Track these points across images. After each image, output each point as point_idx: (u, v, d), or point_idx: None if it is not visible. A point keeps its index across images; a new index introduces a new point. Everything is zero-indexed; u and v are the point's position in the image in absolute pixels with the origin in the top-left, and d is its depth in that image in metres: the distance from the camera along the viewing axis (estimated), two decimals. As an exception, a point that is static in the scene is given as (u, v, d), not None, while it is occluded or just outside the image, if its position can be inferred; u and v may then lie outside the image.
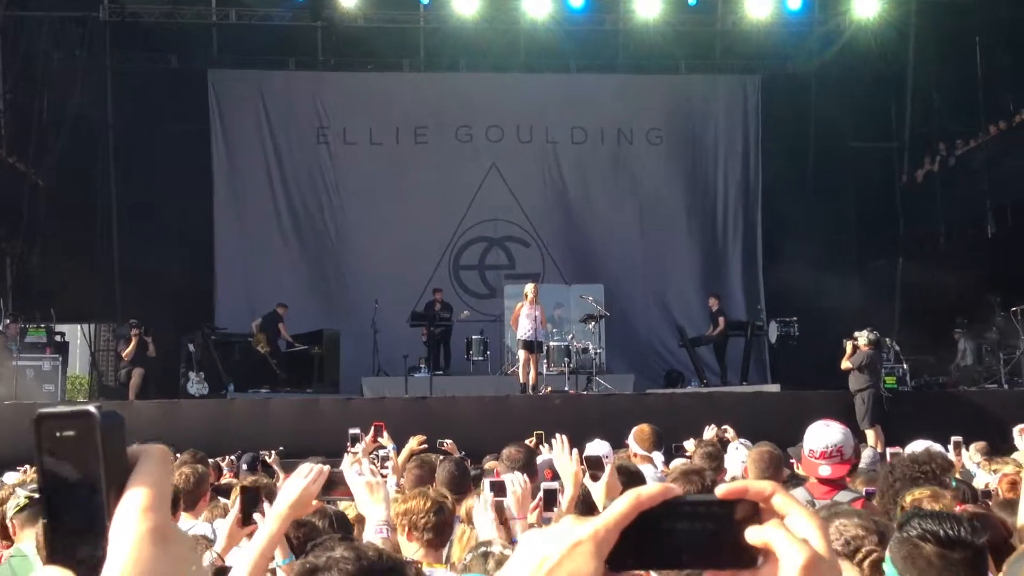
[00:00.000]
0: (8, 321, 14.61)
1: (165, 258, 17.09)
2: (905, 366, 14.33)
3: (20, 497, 3.87)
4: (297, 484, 2.71)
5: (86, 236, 17.18)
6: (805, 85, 19.30)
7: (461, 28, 18.29)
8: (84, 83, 17.15)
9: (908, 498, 3.28)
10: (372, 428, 7.05)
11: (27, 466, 8.61)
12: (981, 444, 7.86)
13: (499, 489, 3.40)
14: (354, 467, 2.83)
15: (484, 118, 19.13)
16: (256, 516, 3.04)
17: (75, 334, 17.10)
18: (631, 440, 6.78)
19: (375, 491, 2.76)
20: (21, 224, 16.45)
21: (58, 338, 15.02)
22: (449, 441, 8.12)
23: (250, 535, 3.12)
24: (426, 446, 7.63)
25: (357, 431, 6.87)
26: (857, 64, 18.81)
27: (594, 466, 3.91)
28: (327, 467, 2.81)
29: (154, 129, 17.72)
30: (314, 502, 2.78)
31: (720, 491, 0.84)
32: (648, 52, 19.08)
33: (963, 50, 17.56)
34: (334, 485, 2.82)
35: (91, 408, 0.84)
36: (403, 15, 18.58)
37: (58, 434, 0.83)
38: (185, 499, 5.22)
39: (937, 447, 5.37)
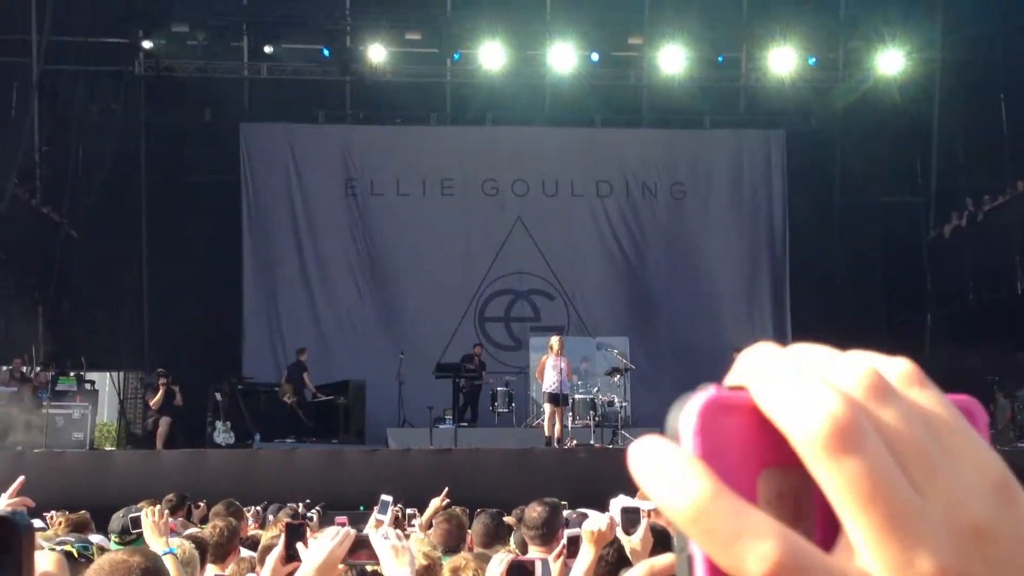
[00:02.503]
0: (39, 369, 14.77)
1: (194, 308, 17.28)
2: (935, 423, 14.11)
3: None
4: (324, 547, 2.73)
5: (117, 286, 17.40)
6: (830, 140, 19.37)
7: (487, 82, 18.55)
8: (119, 136, 17.51)
9: None
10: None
11: (53, 512, 8.63)
12: None
13: (518, 570, 3.33)
14: (380, 530, 2.85)
15: (510, 171, 19.32)
16: (301, 552, 3.05)
17: (104, 382, 17.23)
18: (644, 497, 6.70)
19: (400, 555, 2.78)
20: (53, 273, 16.72)
21: (88, 386, 15.14)
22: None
23: (292, 572, 3.13)
24: (449, 500, 7.59)
25: (389, 498, 6.89)
26: (882, 119, 18.86)
27: (630, 520, 3.87)
28: (353, 530, 2.83)
29: (185, 181, 18.07)
30: (340, 566, 2.79)
31: None
32: (672, 107, 19.26)
33: (988, 105, 17.61)
34: (360, 548, 2.83)
35: (12, 514, 0.79)
36: (430, 69, 18.88)
37: None
38: (214, 552, 5.21)
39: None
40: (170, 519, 6.93)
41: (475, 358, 16.71)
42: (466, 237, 19.11)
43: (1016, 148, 17.00)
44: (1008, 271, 16.59)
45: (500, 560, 3.27)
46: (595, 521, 3.48)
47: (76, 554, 3.75)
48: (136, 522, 4.83)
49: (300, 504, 9.00)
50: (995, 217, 17.06)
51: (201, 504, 8.73)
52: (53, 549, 3.79)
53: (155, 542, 4.57)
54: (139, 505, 6.30)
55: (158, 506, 4.77)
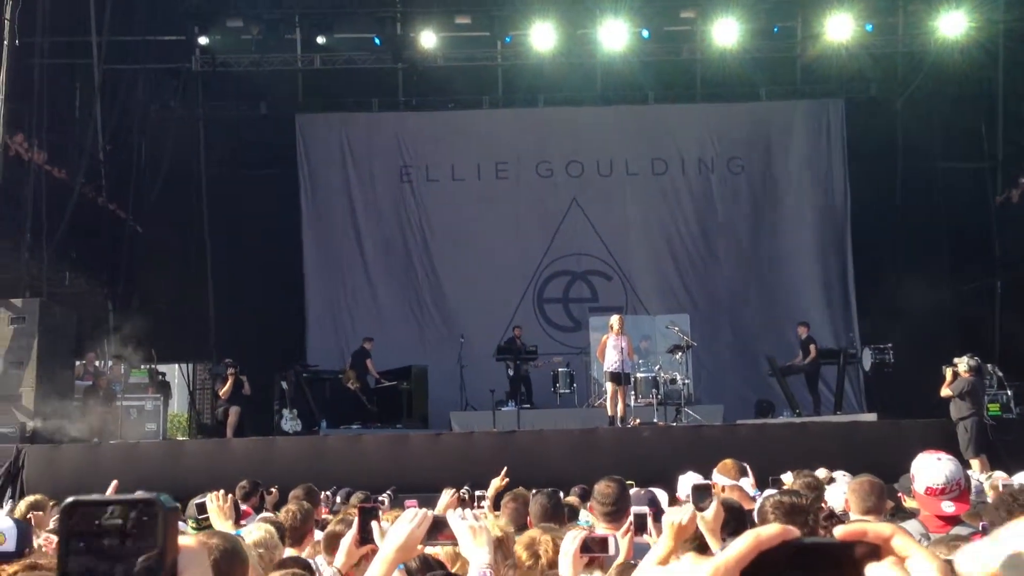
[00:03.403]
0: (112, 363, 15.16)
1: (257, 298, 17.59)
2: (1009, 392, 13.82)
3: None
4: (403, 529, 2.77)
5: (182, 279, 17.77)
6: (890, 107, 18.96)
7: (538, 63, 18.48)
8: (178, 132, 17.84)
9: None
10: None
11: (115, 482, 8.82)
12: None
13: (592, 546, 3.34)
14: (457, 511, 2.88)
15: (564, 152, 19.25)
16: (374, 534, 3.10)
17: (173, 374, 17.64)
18: (715, 475, 6.68)
19: (478, 535, 2.80)
20: (121, 269, 17.13)
21: (159, 378, 15.51)
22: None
23: (369, 554, 3.18)
24: (508, 480, 7.62)
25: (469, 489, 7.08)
26: (943, 84, 18.37)
27: (700, 496, 3.86)
28: (431, 512, 2.86)
29: (244, 174, 18.36)
30: (420, 546, 2.83)
31: (839, 532, 0.84)
32: (726, 80, 18.98)
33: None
34: (438, 529, 2.86)
35: (156, 496, 0.79)
36: (481, 53, 18.87)
37: (98, 523, 0.76)
38: (291, 535, 5.33)
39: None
40: (243, 505, 7.10)
41: (516, 340, 16.72)
42: (522, 219, 19.12)
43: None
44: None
45: (574, 536, 3.28)
46: (677, 513, 3.44)
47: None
48: (202, 507, 4.97)
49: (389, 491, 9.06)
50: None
51: (273, 490, 8.90)
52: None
53: (222, 525, 4.69)
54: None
55: (222, 491, 4.89)
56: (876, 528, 0.84)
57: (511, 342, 16.71)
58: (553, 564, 3.26)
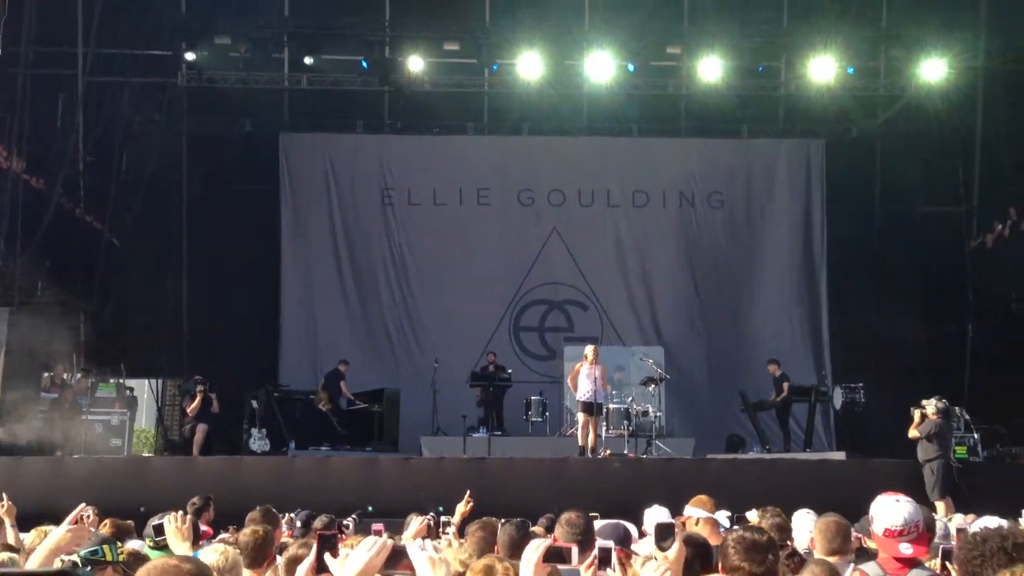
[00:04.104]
0: (79, 376, 15.00)
1: (232, 316, 17.50)
2: (976, 436, 13.91)
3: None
4: (361, 557, 2.74)
5: (157, 294, 17.66)
6: (870, 149, 19.18)
7: (525, 92, 18.58)
8: (161, 146, 17.79)
9: None
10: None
11: (90, 510, 8.71)
12: None
13: (554, 556, 3.34)
14: (416, 542, 2.86)
15: (546, 181, 19.33)
16: (330, 563, 3.06)
17: (142, 389, 17.46)
18: (689, 508, 6.64)
19: (437, 567, 2.78)
20: (95, 281, 16.99)
21: (127, 393, 15.35)
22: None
23: None
24: (472, 504, 7.56)
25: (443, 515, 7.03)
26: (923, 127, 18.62)
27: (663, 535, 3.84)
28: (391, 541, 2.84)
29: (226, 190, 18.32)
30: (376, 575, 2.81)
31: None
32: (710, 116, 19.17)
33: (1032, 114, 17.31)
34: (397, 559, 2.84)
35: (73, 567, 0.74)
36: (468, 79, 18.95)
37: None
38: (250, 557, 5.24)
39: (1003, 523, 5.15)
40: (203, 526, 7.01)
41: (489, 366, 16.72)
42: (502, 247, 19.16)
43: (1060, 157, 16.71)
44: (1051, 281, 16.29)
45: (536, 546, 3.25)
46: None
47: (80, 563, 3.77)
48: (160, 529, 4.91)
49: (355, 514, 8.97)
50: (1039, 227, 16.76)
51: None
52: (62, 559, 3.83)
53: (179, 547, 4.63)
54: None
55: (181, 512, 4.83)
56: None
57: (484, 368, 16.71)
58: None
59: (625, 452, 14.03)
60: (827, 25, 17.75)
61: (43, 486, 11.36)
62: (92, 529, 5.86)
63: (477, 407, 16.17)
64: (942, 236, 18.83)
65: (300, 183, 19.26)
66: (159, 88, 18.38)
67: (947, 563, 4.36)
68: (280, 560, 5.42)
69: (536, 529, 7.10)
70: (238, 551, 4.83)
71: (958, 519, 7.30)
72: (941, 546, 4.36)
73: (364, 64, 18.56)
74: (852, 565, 4.44)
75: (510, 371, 16.69)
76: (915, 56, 17.86)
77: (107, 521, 7.80)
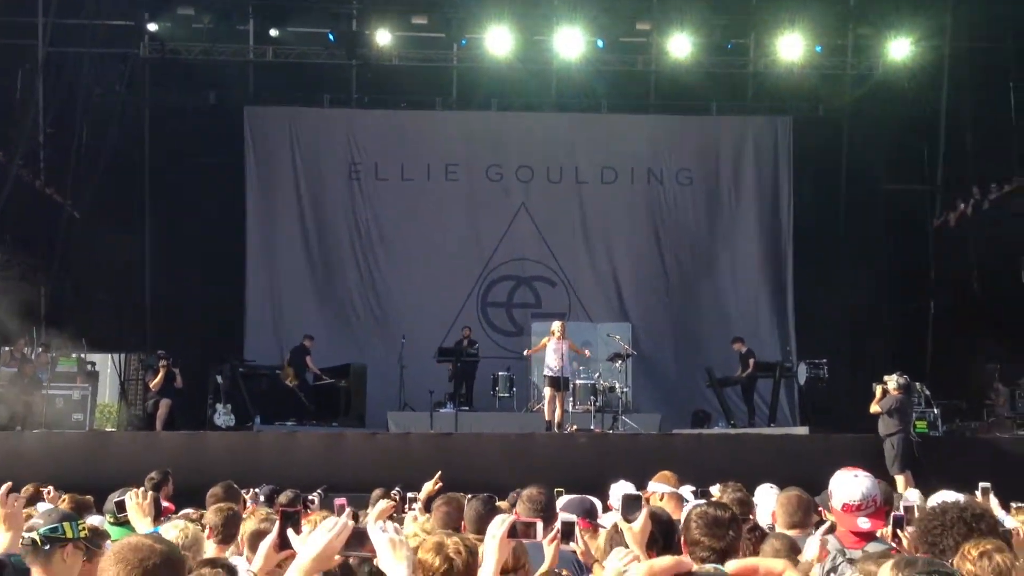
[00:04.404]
0: (40, 350, 14.80)
1: (196, 290, 17.33)
2: (936, 411, 14.13)
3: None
4: (321, 538, 2.72)
5: (119, 268, 17.42)
6: (837, 127, 19.28)
7: (494, 68, 18.47)
8: (123, 118, 17.51)
9: (974, 551, 3.18)
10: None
11: (51, 488, 8.63)
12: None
13: (519, 531, 3.33)
14: (378, 524, 2.83)
15: (515, 157, 19.26)
16: (293, 540, 3.03)
17: (105, 363, 17.26)
18: (653, 484, 6.68)
19: (398, 549, 2.76)
20: (56, 254, 16.73)
21: (89, 367, 15.17)
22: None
23: (286, 560, 3.11)
24: (441, 484, 7.55)
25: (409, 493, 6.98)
26: (889, 106, 18.76)
27: (630, 507, 3.84)
28: (351, 523, 2.82)
29: (189, 164, 18.04)
30: (336, 557, 2.78)
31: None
32: (679, 93, 19.18)
33: (996, 94, 17.50)
34: (357, 540, 2.82)
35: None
36: (436, 54, 18.82)
37: None
38: (219, 534, 5.21)
39: (958, 497, 5.23)
40: (164, 502, 6.94)
41: (464, 341, 16.72)
42: (470, 223, 19.10)
43: (1023, 137, 16.90)
44: (1012, 260, 16.53)
45: (502, 520, 3.24)
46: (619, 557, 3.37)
47: (39, 541, 3.72)
48: (121, 506, 4.86)
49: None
50: (1001, 206, 16.99)
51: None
52: (23, 535, 3.77)
53: (140, 523, 4.58)
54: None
55: (142, 488, 4.78)
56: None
57: (459, 343, 16.69)
58: (468, 566, 3.19)
59: (592, 427, 14.09)
60: (796, 3, 17.81)
61: (2, 461, 11.20)
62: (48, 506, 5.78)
63: (449, 381, 16.13)
64: (906, 214, 19.05)
65: (265, 157, 19.03)
66: (121, 59, 18.05)
67: (898, 531, 4.42)
68: (242, 531, 5.37)
69: (502, 504, 7.11)
70: (199, 528, 4.79)
71: (913, 494, 7.41)
72: (893, 514, 4.43)
73: (331, 37, 18.37)
74: (818, 536, 4.49)
75: (478, 345, 16.70)
76: (882, 35, 18.00)
77: (65, 496, 7.72)
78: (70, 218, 17.00)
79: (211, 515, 5.41)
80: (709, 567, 2.99)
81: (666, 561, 3.61)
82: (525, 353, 14.62)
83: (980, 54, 17.78)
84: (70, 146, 17.00)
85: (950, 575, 2.10)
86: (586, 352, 14.29)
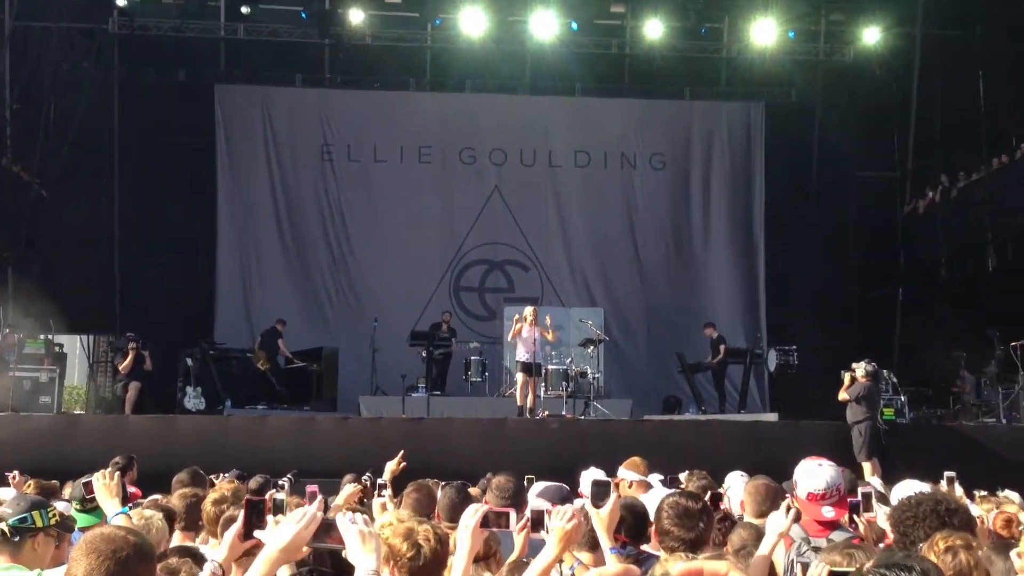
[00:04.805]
0: (7, 331, 14.60)
1: (166, 272, 17.16)
2: (903, 398, 14.29)
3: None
4: (289, 529, 2.70)
5: (88, 247, 17.19)
6: (809, 113, 19.38)
7: (468, 49, 18.37)
8: (91, 95, 17.22)
9: (942, 544, 3.22)
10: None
11: (16, 472, 8.54)
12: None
13: (492, 520, 3.35)
14: (347, 515, 2.82)
15: (488, 140, 19.20)
16: (257, 532, 3.02)
17: (74, 345, 17.07)
18: (623, 470, 6.71)
19: (367, 540, 2.75)
20: (22, 233, 16.47)
21: (56, 349, 15.00)
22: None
23: (250, 549, 3.10)
24: (405, 464, 7.50)
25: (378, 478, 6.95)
26: (861, 94, 18.88)
27: (600, 493, 3.86)
28: (320, 513, 2.80)
29: (159, 142, 17.82)
30: (305, 548, 2.77)
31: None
32: (653, 77, 19.19)
33: (966, 82, 17.65)
34: (326, 531, 2.80)
35: None
36: (410, 34, 18.68)
37: None
38: (184, 520, 5.19)
39: (923, 487, 5.31)
40: (130, 487, 6.89)
41: (444, 325, 16.71)
42: (443, 206, 19.03)
43: (992, 126, 17.07)
44: (980, 248, 16.72)
45: (475, 510, 3.25)
46: (561, 519, 3.38)
47: (8, 532, 3.69)
48: (89, 487, 4.81)
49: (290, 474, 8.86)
50: (969, 194, 17.17)
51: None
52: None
53: (108, 503, 4.54)
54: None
55: (109, 469, 4.73)
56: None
57: (436, 327, 16.65)
58: (436, 554, 3.20)
59: (563, 413, 14.13)
60: (770, -12, 17.81)
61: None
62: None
63: (423, 363, 16.08)
64: (876, 201, 19.22)
65: (237, 136, 18.84)
66: (88, 34, 17.75)
67: (855, 516, 4.49)
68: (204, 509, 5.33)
69: (474, 491, 7.11)
70: (160, 514, 4.77)
71: (874, 482, 7.51)
72: (849, 499, 4.49)
73: (304, 15, 18.16)
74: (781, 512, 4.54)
75: (452, 331, 16.68)
76: (855, 21, 18.10)
77: (31, 481, 7.64)
78: (37, 196, 16.73)
79: (176, 501, 5.39)
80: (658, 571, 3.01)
81: (615, 569, 3.65)
82: (509, 338, 14.50)
83: (951, 42, 17.91)
84: (37, 123, 16.70)
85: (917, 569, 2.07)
86: (549, 335, 14.16)
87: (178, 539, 5.10)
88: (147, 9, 17.80)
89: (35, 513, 3.73)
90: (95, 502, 4.70)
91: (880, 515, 4.75)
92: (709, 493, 5.60)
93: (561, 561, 3.54)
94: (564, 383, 14.58)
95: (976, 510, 5.64)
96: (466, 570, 3.11)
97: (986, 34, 17.39)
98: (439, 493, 5.63)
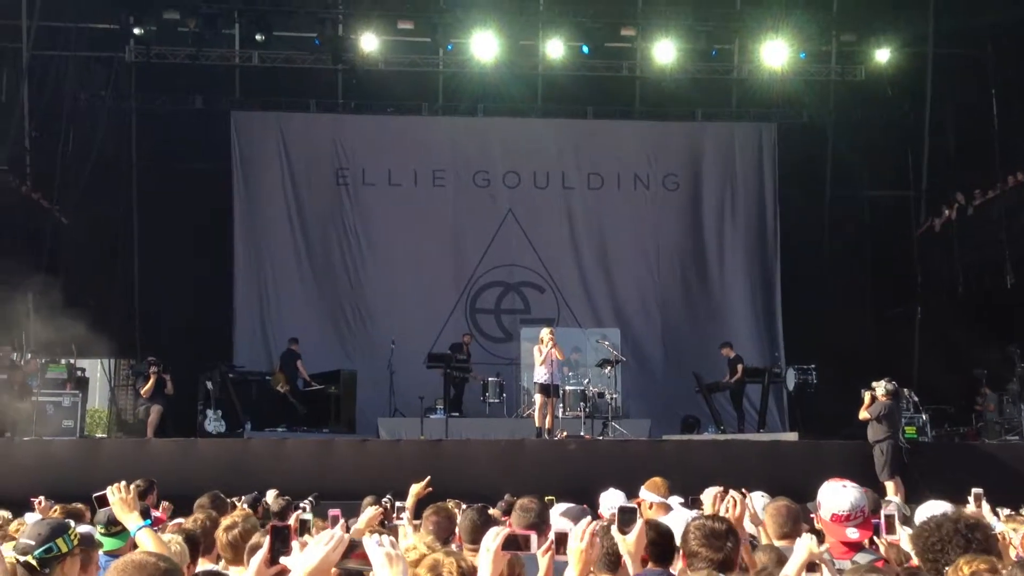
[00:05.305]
0: (29, 356, 14.70)
1: (185, 296, 17.25)
2: (924, 416, 14.22)
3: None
4: (317, 551, 2.73)
5: (107, 273, 17.33)
6: (821, 133, 19.41)
7: (480, 73, 18.50)
8: (109, 122, 17.42)
9: (966, 568, 3.23)
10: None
11: (42, 498, 8.60)
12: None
13: (513, 543, 3.36)
14: (374, 537, 2.86)
15: (501, 163, 19.30)
16: (283, 559, 3.05)
17: (95, 369, 17.15)
18: (644, 492, 6.71)
19: (394, 563, 2.78)
20: (43, 259, 16.62)
21: (78, 374, 15.09)
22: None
23: (277, 575, 3.13)
24: (431, 489, 7.53)
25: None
26: (874, 113, 18.90)
27: (626, 519, 3.88)
28: (347, 535, 2.84)
29: (176, 168, 17.99)
30: (333, 570, 2.80)
31: None
32: (664, 99, 19.26)
33: (979, 100, 17.66)
34: (353, 551, 2.84)
35: None
36: (423, 59, 18.82)
37: None
38: (204, 542, 5.21)
39: (947, 507, 5.29)
40: (155, 512, 6.92)
41: (464, 347, 16.75)
42: (457, 228, 19.11)
43: (1006, 143, 17.05)
44: (997, 265, 16.66)
45: (496, 534, 3.27)
46: (576, 540, 3.42)
47: (37, 565, 3.70)
48: (102, 500, 4.80)
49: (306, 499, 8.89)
50: (984, 211, 17.13)
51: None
52: (16, 559, 3.75)
53: (127, 518, 4.54)
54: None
55: (124, 483, 4.72)
56: None
57: (458, 347, 16.67)
58: None
59: (581, 434, 14.12)
60: (779, 9, 17.90)
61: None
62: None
63: (443, 386, 16.06)
64: (891, 220, 19.19)
65: (253, 162, 18.99)
66: (105, 63, 17.96)
67: (876, 538, 4.49)
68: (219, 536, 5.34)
69: (494, 512, 7.11)
70: (179, 538, 4.78)
71: (894, 501, 7.48)
72: (872, 520, 4.49)
73: (317, 42, 18.33)
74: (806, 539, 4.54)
75: (467, 355, 16.70)
76: (866, 42, 18.14)
77: (56, 507, 7.68)
78: (57, 223, 16.89)
79: (188, 525, 5.40)
80: None
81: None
82: (538, 364, 14.13)
83: (962, 60, 17.94)
84: (56, 151, 16.89)
85: None
86: (557, 355, 13.89)
87: (202, 565, 5.12)
88: (163, 38, 17.98)
89: (59, 541, 3.74)
90: (120, 525, 4.72)
91: (904, 537, 4.75)
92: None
93: None
94: (582, 404, 14.58)
95: (1000, 527, 5.62)
96: None
97: (997, 52, 17.42)
98: (459, 515, 5.64)
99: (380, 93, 19.17)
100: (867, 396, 12.31)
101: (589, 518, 5.77)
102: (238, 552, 4.70)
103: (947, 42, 17.89)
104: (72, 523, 4.16)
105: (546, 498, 7.36)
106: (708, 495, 5.11)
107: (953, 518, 3.78)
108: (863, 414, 12.29)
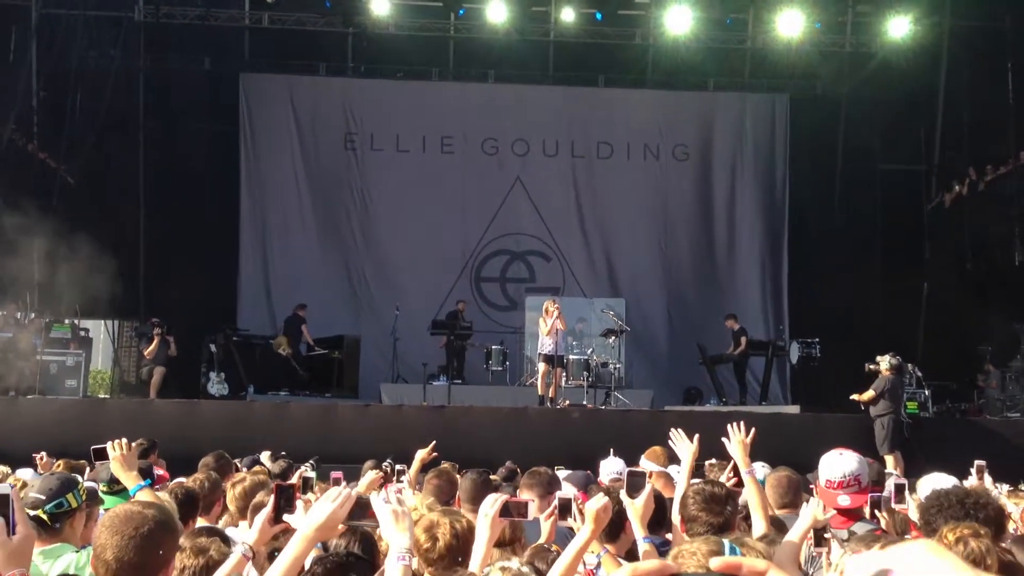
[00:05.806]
0: (33, 316, 14.75)
1: (190, 257, 17.26)
2: (927, 391, 14.20)
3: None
4: (325, 508, 2.75)
5: (113, 233, 17.31)
6: (834, 105, 19.23)
7: (492, 38, 18.34)
8: (117, 82, 17.33)
9: (951, 536, 3.22)
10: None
11: (43, 453, 8.66)
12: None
13: (511, 510, 3.38)
14: (381, 494, 2.88)
15: (511, 131, 19.18)
16: (286, 516, 3.08)
17: (98, 330, 17.20)
18: (644, 461, 6.73)
19: (400, 519, 2.80)
20: (49, 219, 16.62)
21: (82, 334, 15.15)
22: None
23: (281, 533, 3.16)
24: (436, 454, 7.59)
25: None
26: (887, 86, 18.69)
27: (635, 484, 3.90)
28: (355, 492, 2.86)
29: (184, 130, 17.93)
30: (340, 526, 2.82)
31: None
32: (677, 68, 19.05)
33: (995, 75, 17.44)
34: (361, 509, 2.86)
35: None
36: (434, 23, 18.67)
37: None
38: (204, 502, 5.24)
39: (950, 479, 5.28)
40: (158, 471, 6.96)
41: (459, 314, 16.71)
42: (465, 196, 19.04)
43: (1021, 118, 16.87)
44: (1007, 241, 16.56)
45: (494, 500, 3.30)
46: (597, 501, 3.47)
47: (48, 520, 3.72)
48: (100, 453, 4.80)
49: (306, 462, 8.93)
50: (996, 187, 16.99)
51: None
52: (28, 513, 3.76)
53: (125, 477, 4.56)
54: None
55: (124, 440, 4.72)
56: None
57: (453, 315, 16.68)
58: (450, 548, 3.27)
59: (584, 403, 14.15)
60: (796, -22, 17.66)
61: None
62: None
63: (444, 353, 16.09)
64: (902, 194, 19.03)
65: (261, 124, 18.92)
66: (114, 23, 17.86)
67: (876, 511, 4.49)
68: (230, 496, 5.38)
69: (494, 478, 7.14)
70: (168, 496, 4.81)
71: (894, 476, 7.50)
72: (870, 494, 4.50)
73: (328, 4, 18.19)
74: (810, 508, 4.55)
75: (470, 321, 16.70)
76: (882, 13, 17.92)
77: (60, 462, 7.74)
78: (64, 182, 16.88)
79: (189, 484, 5.43)
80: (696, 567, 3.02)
81: (651, 565, 3.65)
82: (545, 334, 14.18)
83: (979, 34, 17.69)
84: (64, 110, 16.85)
85: None
86: (560, 325, 13.95)
87: (200, 523, 5.15)
88: (172, -2, 17.88)
89: (69, 496, 3.77)
90: (122, 484, 4.73)
91: (912, 507, 4.74)
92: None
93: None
94: (585, 373, 14.59)
95: (1007, 503, 5.61)
96: (485, 557, 3.18)
97: (1015, 25, 17.18)
98: (460, 479, 5.67)
99: (390, 57, 19.03)
100: (871, 370, 12.26)
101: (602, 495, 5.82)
102: (247, 506, 4.77)
103: (963, 14, 17.64)
104: (80, 478, 4.18)
105: (556, 467, 7.40)
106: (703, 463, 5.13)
107: (964, 491, 3.79)
108: (868, 395, 12.20)
